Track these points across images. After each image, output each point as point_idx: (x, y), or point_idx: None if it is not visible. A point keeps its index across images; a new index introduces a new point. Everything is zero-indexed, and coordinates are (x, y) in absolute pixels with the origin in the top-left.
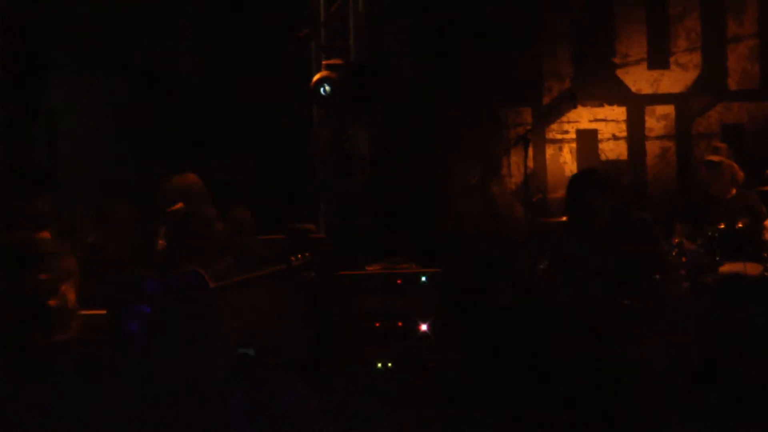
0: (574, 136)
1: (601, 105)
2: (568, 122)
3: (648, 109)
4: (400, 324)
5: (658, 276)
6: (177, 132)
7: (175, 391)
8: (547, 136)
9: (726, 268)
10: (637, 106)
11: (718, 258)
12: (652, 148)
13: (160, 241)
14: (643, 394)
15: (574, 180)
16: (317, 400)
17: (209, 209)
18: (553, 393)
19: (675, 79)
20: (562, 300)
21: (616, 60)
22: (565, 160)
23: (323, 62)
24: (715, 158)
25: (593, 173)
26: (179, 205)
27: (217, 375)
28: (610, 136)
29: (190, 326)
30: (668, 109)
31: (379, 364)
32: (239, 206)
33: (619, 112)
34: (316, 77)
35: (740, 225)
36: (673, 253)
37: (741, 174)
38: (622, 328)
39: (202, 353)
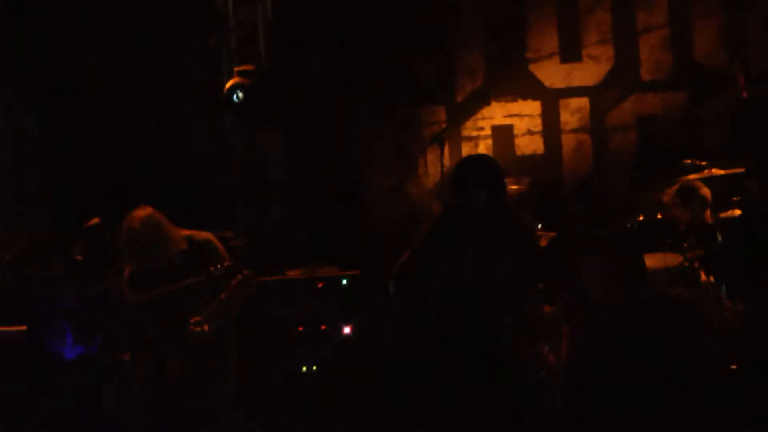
0: (489, 132)
1: (515, 100)
2: (483, 119)
3: (562, 102)
4: (323, 327)
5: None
6: (89, 139)
7: None
8: (462, 134)
9: (647, 260)
10: (551, 100)
11: None
12: (568, 141)
13: (78, 257)
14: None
15: (459, 166)
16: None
17: None
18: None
19: (588, 72)
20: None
21: (529, 55)
22: None
23: (235, 68)
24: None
25: (478, 161)
26: (95, 220)
27: None
28: (525, 130)
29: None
30: (582, 102)
31: (304, 368)
32: None
33: (533, 107)
34: (228, 84)
35: (659, 216)
36: None
37: None
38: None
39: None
